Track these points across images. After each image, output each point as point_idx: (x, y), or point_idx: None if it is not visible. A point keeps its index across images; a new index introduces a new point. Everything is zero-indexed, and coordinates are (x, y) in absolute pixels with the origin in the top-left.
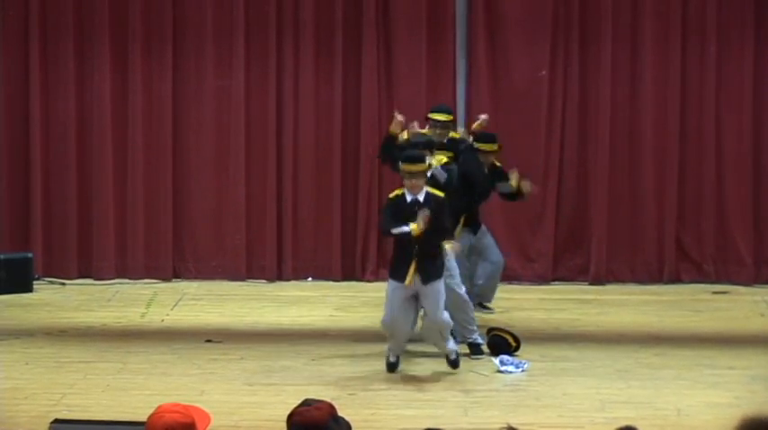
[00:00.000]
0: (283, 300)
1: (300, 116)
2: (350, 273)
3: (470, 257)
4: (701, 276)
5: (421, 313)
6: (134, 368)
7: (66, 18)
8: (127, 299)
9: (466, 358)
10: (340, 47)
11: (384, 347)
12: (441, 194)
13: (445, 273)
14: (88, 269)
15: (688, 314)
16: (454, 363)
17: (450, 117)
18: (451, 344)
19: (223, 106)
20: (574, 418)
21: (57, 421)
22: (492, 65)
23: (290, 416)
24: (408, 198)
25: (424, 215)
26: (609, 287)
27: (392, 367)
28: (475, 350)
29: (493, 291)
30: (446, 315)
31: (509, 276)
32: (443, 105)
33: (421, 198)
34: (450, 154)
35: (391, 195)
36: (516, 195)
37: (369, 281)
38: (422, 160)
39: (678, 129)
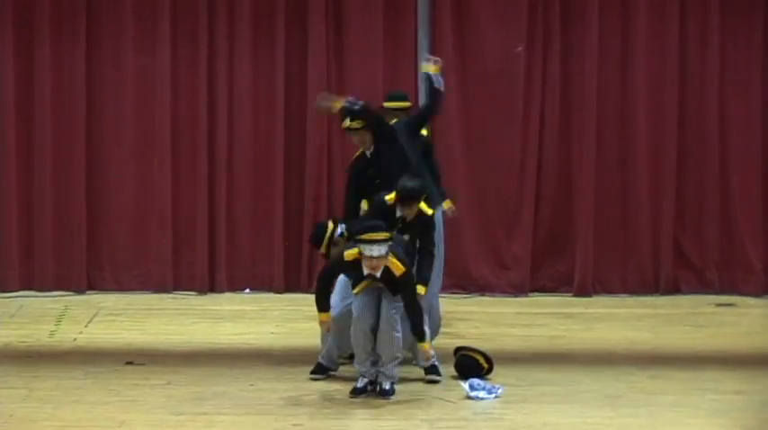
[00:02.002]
0: (217, 315)
1: (236, 104)
2: (294, 283)
3: None
4: (703, 286)
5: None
6: (42, 395)
7: None
8: (33, 314)
9: (430, 384)
10: (282, 23)
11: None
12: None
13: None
14: None
15: (688, 330)
16: (434, 371)
17: (407, 104)
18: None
19: (146, 91)
20: None
21: None
22: (459, 41)
23: None
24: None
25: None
26: (596, 299)
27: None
28: (431, 371)
29: None
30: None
31: (480, 286)
32: (398, 91)
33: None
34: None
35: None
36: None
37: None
38: (382, 229)
39: (676, 116)
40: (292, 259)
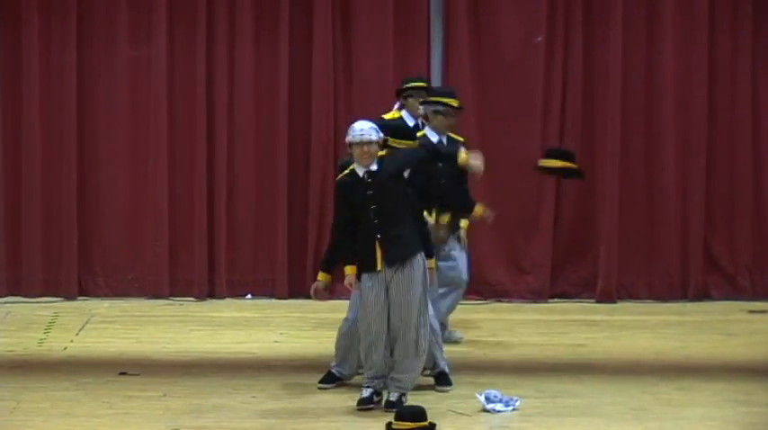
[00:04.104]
0: (216, 322)
1: (237, 95)
2: (298, 288)
3: None
4: (734, 291)
5: None
6: (30, 407)
7: None
8: (21, 321)
9: (443, 396)
10: (286, 8)
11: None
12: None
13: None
14: None
15: (719, 338)
16: (445, 380)
17: (424, 83)
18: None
19: (140, 82)
20: None
21: None
22: (475, 30)
23: None
24: (360, 173)
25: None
26: (620, 305)
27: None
28: (441, 381)
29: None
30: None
31: (497, 292)
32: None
33: (374, 167)
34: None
35: (339, 178)
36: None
37: (322, 298)
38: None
39: (705, 111)
40: (296, 263)
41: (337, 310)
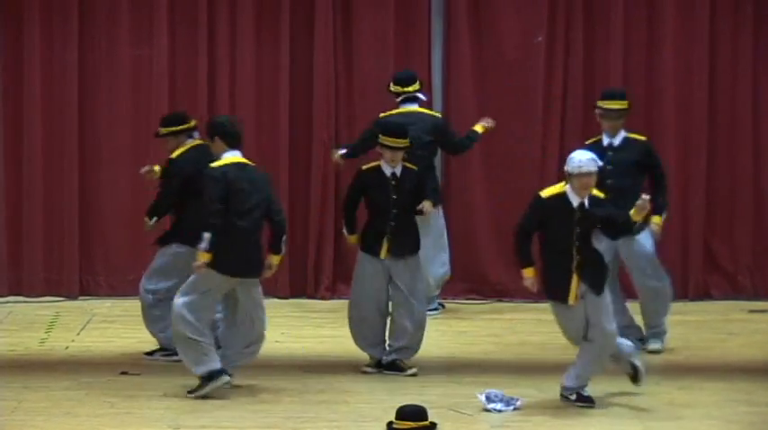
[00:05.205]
0: None
1: (238, 94)
2: (300, 288)
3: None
4: (734, 291)
5: None
6: (32, 407)
7: None
8: (22, 321)
9: (444, 395)
10: (287, 8)
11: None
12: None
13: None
14: None
15: (719, 338)
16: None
17: (416, 87)
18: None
19: (142, 81)
20: None
21: None
22: (476, 29)
23: None
24: (574, 203)
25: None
26: None
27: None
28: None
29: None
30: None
31: (498, 292)
32: (408, 72)
33: (587, 203)
34: None
35: (548, 196)
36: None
37: (324, 298)
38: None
39: (706, 111)
40: (298, 263)
41: (338, 310)
